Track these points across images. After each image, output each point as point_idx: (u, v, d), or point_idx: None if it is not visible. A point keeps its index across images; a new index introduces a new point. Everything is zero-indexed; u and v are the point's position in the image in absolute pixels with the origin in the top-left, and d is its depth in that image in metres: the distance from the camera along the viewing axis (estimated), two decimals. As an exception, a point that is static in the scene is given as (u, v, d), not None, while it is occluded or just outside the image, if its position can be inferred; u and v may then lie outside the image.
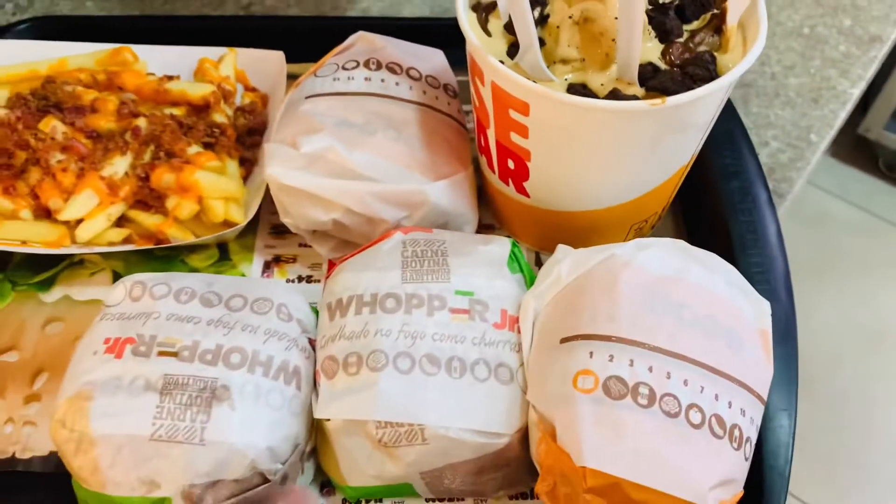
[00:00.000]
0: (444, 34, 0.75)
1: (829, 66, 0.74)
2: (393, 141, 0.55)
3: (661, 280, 0.47)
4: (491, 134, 0.54)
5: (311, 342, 0.50)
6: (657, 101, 0.45)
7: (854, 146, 1.68)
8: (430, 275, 0.49)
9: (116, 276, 0.60)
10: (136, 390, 0.44)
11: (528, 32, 0.47)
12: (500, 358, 0.47)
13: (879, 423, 1.46)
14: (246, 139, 0.65)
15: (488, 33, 0.52)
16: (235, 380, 0.45)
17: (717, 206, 0.59)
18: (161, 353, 0.45)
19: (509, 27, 0.51)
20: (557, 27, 0.50)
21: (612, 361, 0.43)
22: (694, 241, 0.60)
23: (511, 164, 0.54)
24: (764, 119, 0.70)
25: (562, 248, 0.51)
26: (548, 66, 0.49)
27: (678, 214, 0.63)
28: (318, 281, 0.60)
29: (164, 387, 0.44)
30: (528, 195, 0.55)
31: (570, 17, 0.49)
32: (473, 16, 0.53)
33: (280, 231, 0.62)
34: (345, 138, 0.54)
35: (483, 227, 0.62)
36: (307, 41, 0.74)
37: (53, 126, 0.61)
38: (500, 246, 0.52)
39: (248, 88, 0.69)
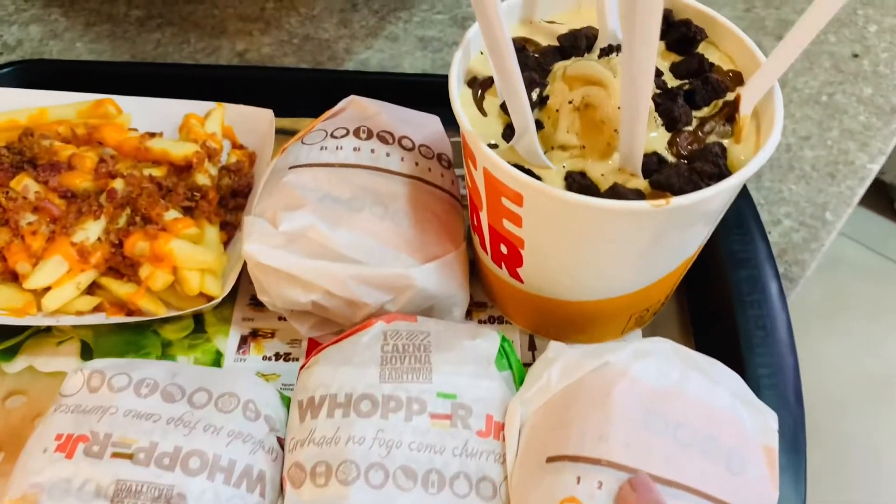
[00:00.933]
0: (442, 91, 0.72)
1: (847, 139, 0.71)
2: (379, 218, 0.52)
3: (658, 394, 0.43)
4: (483, 216, 0.50)
5: (280, 441, 0.46)
6: (661, 201, 0.41)
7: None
8: (410, 373, 0.46)
9: (85, 347, 0.57)
10: (85, 496, 0.41)
11: (523, 117, 0.44)
12: (483, 471, 0.43)
13: (886, 470, 1.42)
14: (229, 201, 0.62)
15: (483, 112, 0.49)
16: (193, 487, 0.41)
17: (723, 296, 0.55)
18: (115, 455, 0.42)
19: (506, 107, 0.48)
20: (557, 111, 0.47)
21: (600, 489, 0.39)
22: (698, 333, 0.57)
23: (504, 249, 0.51)
24: (777, 194, 0.66)
25: (554, 347, 0.47)
26: (545, 152, 0.46)
27: (682, 298, 0.59)
28: (297, 359, 0.57)
29: (116, 493, 0.41)
30: (521, 281, 0.52)
31: (570, 102, 0.46)
32: (468, 92, 0.49)
33: (259, 302, 0.59)
34: (328, 215, 0.51)
35: (475, 305, 0.59)
36: (302, 94, 0.72)
37: (26, 185, 0.58)
38: (488, 341, 0.48)
39: (236, 146, 0.66)
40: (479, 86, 0.50)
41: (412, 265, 0.51)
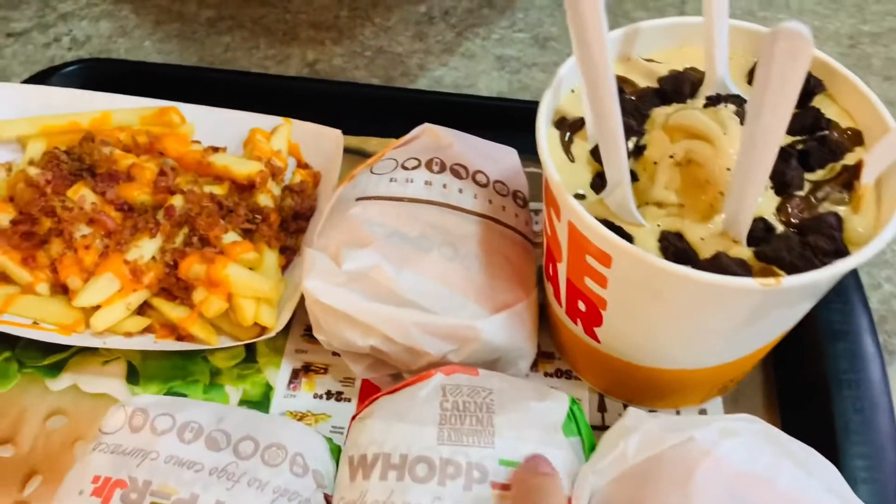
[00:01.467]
0: (520, 116, 0.68)
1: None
2: (448, 260, 0.48)
3: (745, 478, 0.38)
4: (562, 269, 0.46)
5: (328, 498, 0.43)
6: (771, 280, 0.37)
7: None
8: (471, 436, 0.42)
9: (131, 367, 0.54)
10: (119, 547, 0.38)
11: (619, 168, 0.40)
12: (547, 550, 0.39)
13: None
14: (290, 224, 0.59)
15: (571, 157, 0.45)
16: (234, 548, 0.38)
17: (817, 371, 0.50)
18: (153, 506, 0.39)
19: (596, 154, 0.44)
20: (655, 163, 0.42)
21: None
22: (785, 408, 0.52)
23: (582, 307, 0.46)
24: (878, 255, 0.61)
25: (632, 415, 0.43)
26: (638, 207, 0.41)
27: (769, 367, 0.54)
28: (350, 399, 0.53)
29: (151, 548, 0.38)
30: (598, 340, 0.48)
31: (671, 157, 0.41)
32: (555, 134, 0.45)
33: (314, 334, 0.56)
34: (394, 255, 0.47)
35: (542, 355, 0.55)
36: (371, 111, 0.68)
37: (82, 195, 0.56)
38: (556, 403, 0.44)
39: (301, 164, 0.63)
40: (568, 128, 0.46)
41: (480, 315, 0.48)
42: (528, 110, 0.67)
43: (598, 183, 0.43)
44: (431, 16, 0.79)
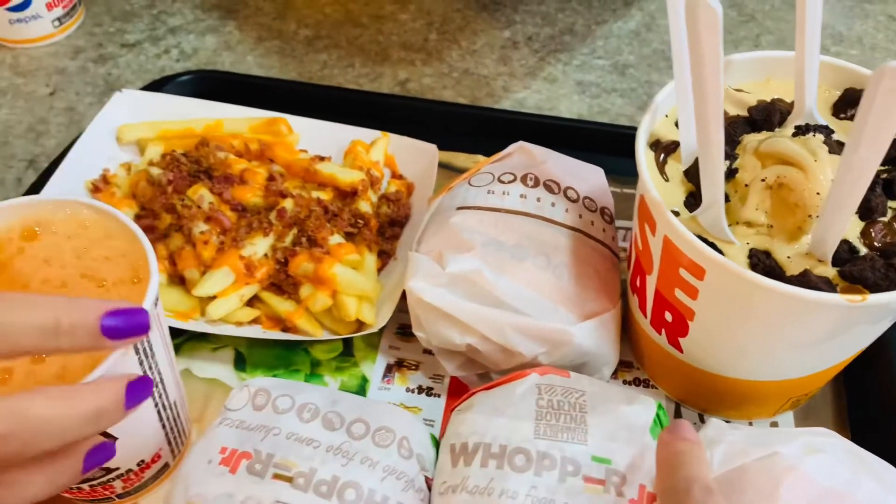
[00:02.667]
0: (600, 138, 0.72)
1: None
2: (541, 269, 0.52)
3: (827, 494, 0.41)
4: (651, 281, 0.50)
5: (428, 481, 0.47)
6: (857, 297, 0.40)
7: None
8: (565, 432, 0.45)
9: (238, 355, 0.59)
10: (246, 512, 0.42)
11: (715, 189, 0.43)
12: (633, 543, 0.42)
13: None
14: (386, 230, 0.63)
15: (665, 177, 0.48)
16: (348, 518, 0.42)
17: (889, 388, 0.52)
18: (276, 476, 0.43)
19: (690, 174, 0.47)
20: (746, 185, 0.46)
21: (765, 587, 0.38)
22: (855, 423, 0.55)
23: (669, 317, 0.50)
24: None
25: (715, 426, 0.46)
26: (729, 226, 0.45)
27: (840, 381, 0.57)
28: (439, 395, 0.57)
29: (275, 514, 0.42)
30: (681, 350, 0.51)
31: (762, 180, 0.45)
32: (651, 155, 0.49)
33: (406, 332, 0.60)
34: (493, 261, 0.51)
35: (620, 364, 0.58)
36: (460, 128, 0.73)
37: (201, 195, 0.60)
38: (644, 408, 0.47)
39: (396, 175, 0.67)
40: (663, 149, 0.49)
41: (570, 320, 0.51)
42: (606, 133, 0.72)
43: (692, 202, 0.47)
44: (515, 41, 0.83)
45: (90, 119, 0.76)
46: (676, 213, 0.46)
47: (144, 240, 0.43)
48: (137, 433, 0.46)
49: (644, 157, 0.47)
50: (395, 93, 0.79)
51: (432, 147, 0.66)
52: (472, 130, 0.73)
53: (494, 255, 0.52)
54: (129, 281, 0.43)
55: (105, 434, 0.42)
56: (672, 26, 0.45)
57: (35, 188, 0.65)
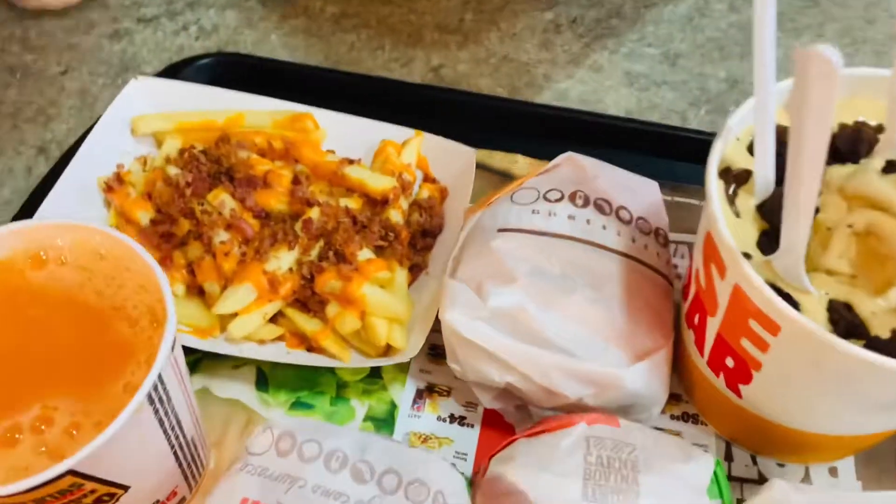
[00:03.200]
0: (651, 140, 0.67)
1: None
2: (591, 303, 0.48)
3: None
4: (713, 324, 0.45)
5: (464, 535, 0.43)
6: (958, 372, 0.35)
7: None
8: (616, 494, 0.42)
9: (260, 374, 0.55)
10: (267, 572, 0.39)
11: (799, 235, 0.38)
12: None
13: None
14: (418, 240, 0.59)
15: (736, 212, 0.43)
16: (378, 584, 0.39)
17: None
18: (302, 535, 0.40)
19: (766, 211, 0.43)
20: (828, 229, 0.41)
21: None
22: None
23: (730, 363, 0.45)
24: None
25: (779, 488, 0.42)
26: (806, 272, 0.40)
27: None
28: (472, 425, 0.53)
29: (299, 577, 0.39)
30: (739, 395, 0.47)
31: (849, 226, 0.40)
32: (720, 185, 0.44)
33: (439, 354, 0.56)
34: (539, 295, 0.47)
35: (669, 397, 0.54)
36: (497, 124, 0.68)
37: (222, 200, 0.56)
38: (701, 466, 0.43)
39: (428, 179, 0.63)
40: (733, 179, 0.44)
41: (621, 361, 0.47)
42: (658, 134, 0.67)
43: (765, 242, 0.42)
44: (558, 24, 0.77)
45: (103, 102, 0.72)
46: (748, 256, 0.42)
47: (163, 277, 0.39)
48: (152, 478, 0.42)
49: (715, 190, 0.42)
50: (428, 79, 0.74)
51: (469, 150, 0.61)
52: (512, 126, 0.68)
53: (539, 287, 0.47)
54: (149, 324, 0.39)
55: (116, 484, 0.39)
56: (757, 40, 0.39)
57: (46, 182, 0.61)
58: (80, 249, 0.42)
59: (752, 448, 0.52)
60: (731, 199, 0.44)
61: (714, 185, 0.43)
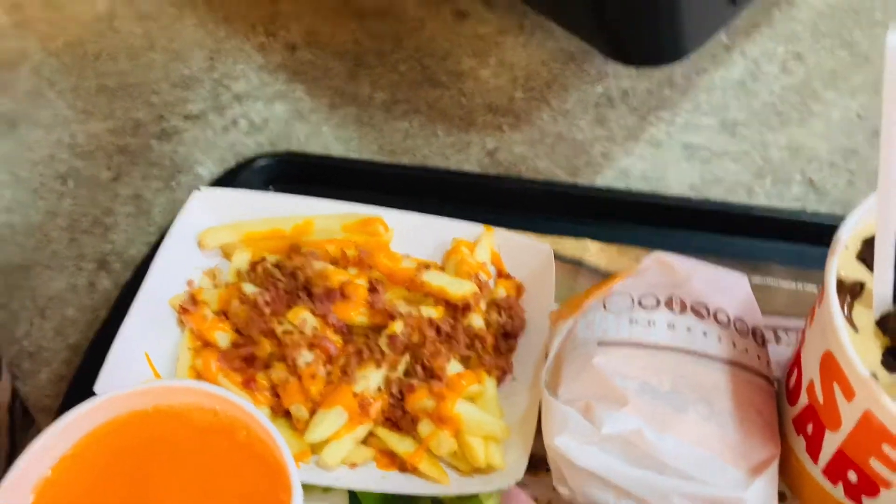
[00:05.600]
0: (721, 220, 0.66)
1: None
2: (705, 420, 0.46)
3: None
4: (833, 439, 0.44)
5: None
6: None
7: None
8: None
9: (353, 496, 0.54)
10: None
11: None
12: None
13: None
14: (500, 343, 0.58)
15: (854, 327, 0.42)
16: None
17: None
18: None
19: (890, 327, 0.41)
20: (961, 348, 0.40)
21: None
22: None
23: (853, 477, 0.44)
24: None
25: None
26: (937, 392, 0.39)
27: None
28: (577, 540, 0.52)
29: None
30: (862, 507, 0.45)
31: None
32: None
33: (533, 464, 0.54)
34: (653, 416, 0.46)
35: (774, 497, 0.52)
36: (560, 209, 0.67)
37: (303, 318, 0.55)
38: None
39: (502, 275, 0.62)
40: (847, 291, 0.43)
41: (739, 479, 0.46)
42: (727, 214, 0.66)
43: (891, 361, 0.41)
44: (610, 97, 0.77)
45: (159, 208, 0.72)
46: (874, 377, 0.40)
47: (286, 451, 0.38)
48: None
49: (838, 312, 0.41)
50: (485, 164, 0.73)
51: (546, 248, 0.60)
52: (577, 211, 0.67)
53: (652, 407, 0.46)
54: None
55: None
56: (883, 164, 0.38)
57: (119, 308, 0.59)
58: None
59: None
60: (848, 312, 0.43)
61: (837, 306, 0.41)
